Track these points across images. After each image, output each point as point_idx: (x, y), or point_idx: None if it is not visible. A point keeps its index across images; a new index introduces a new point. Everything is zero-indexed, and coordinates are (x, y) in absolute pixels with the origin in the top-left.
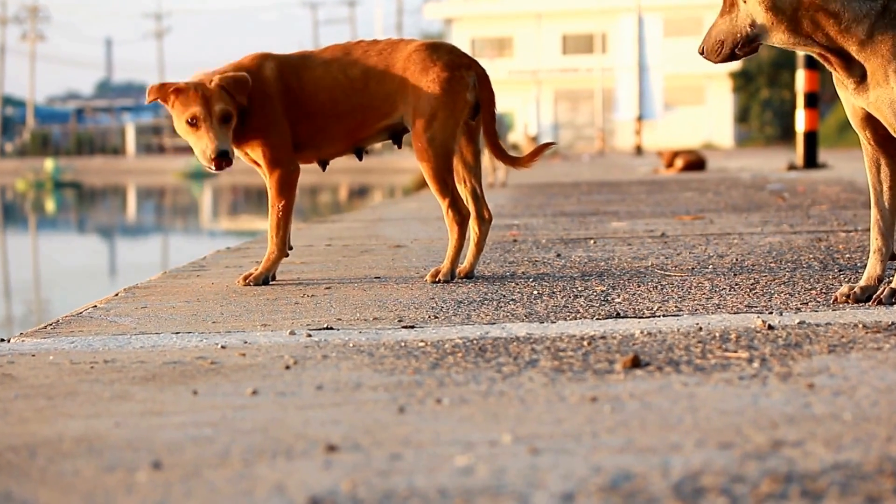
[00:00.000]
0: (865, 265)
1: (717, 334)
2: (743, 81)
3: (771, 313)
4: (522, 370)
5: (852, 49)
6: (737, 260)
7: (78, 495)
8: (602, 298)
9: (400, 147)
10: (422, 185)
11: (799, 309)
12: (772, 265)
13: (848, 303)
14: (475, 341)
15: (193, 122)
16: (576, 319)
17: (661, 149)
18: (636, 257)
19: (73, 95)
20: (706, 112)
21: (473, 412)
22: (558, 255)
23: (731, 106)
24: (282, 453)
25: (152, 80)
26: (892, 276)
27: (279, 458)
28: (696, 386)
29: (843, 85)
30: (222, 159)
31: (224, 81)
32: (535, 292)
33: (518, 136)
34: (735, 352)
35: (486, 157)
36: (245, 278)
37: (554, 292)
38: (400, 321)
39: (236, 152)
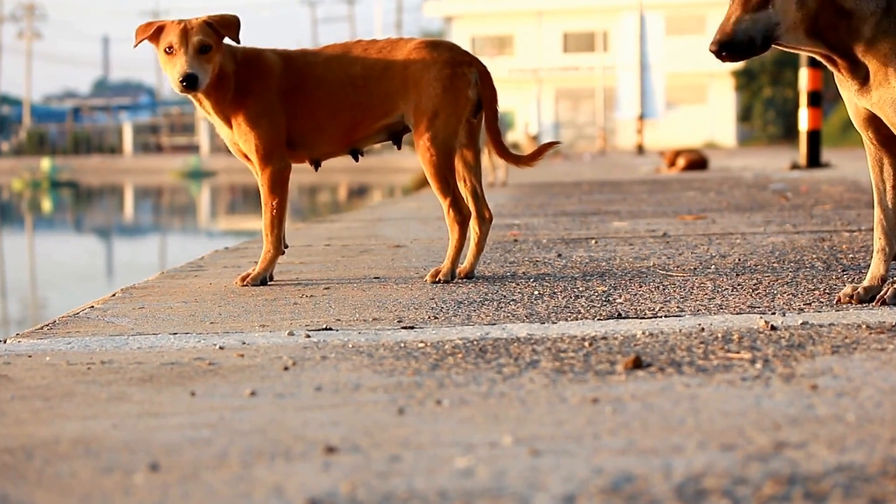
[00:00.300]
0: (869, 265)
1: (720, 335)
2: (745, 80)
3: (774, 314)
4: (523, 371)
5: (859, 49)
6: (739, 260)
7: (75, 497)
8: (603, 299)
9: (400, 148)
10: (421, 184)
11: (802, 309)
12: (774, 265)
13: (851, 303)
14: (475, 342)
15: (170, 51)
16: (577, 320)
17: (662, 148)
18: (638, 257)
19: (69, 94)
20: (708, 111)
21: (474, 413)
22: (559, 255)
23: (733, 105)
24: (280, 455)
25: (150, 79)
26: None
27: (278, 460)
28: (698, 387)
29: (845, 85)
30: (189, 83)
31: (211, 18)
32: (536, 293)
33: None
34: (737, 353)
35: (487, 156)
36: (243, 278)
37: (555, 293)
38: (399, 322)
39: (231, 148)
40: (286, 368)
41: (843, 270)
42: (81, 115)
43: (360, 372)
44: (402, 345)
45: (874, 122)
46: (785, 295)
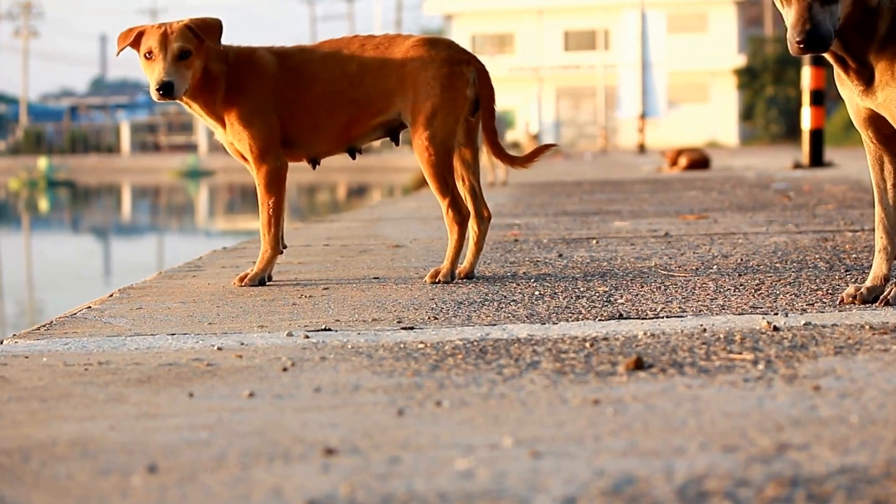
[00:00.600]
0: (872, 265)
1: (722, 336)
2: (748, 78)
3: (776, 314)
4: (524, 372)
5: (872, 48)
6: (741, 260)
7: (72, 499)
8: (604, 299)
9: (398, 144)
10: (421, 184)
11: (805, 310)
12: (777, 265)
13: (854, 303)
14: (475, 343)
15: (149, 56)
16: (578, 321)
17: (664, 147)
18: (639, 257)
19: (67, 93)
20: (710, 110)
21: (474, 415)
22: (560, 256)
23: (735, 103)
24: (279, 457)
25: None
26: None
27: (276, 462)
28: (700, 388)
29: (846, 84)
30: (165, 91)
31: (192, 22)
32: (537, 293)
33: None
34: (740, 353)
35: (486, 156)
36: (241, 279)
37: (556, 293)
38: (399, 322)
39: (227, 148)
40: (285, 369)
41: (846, 270)
42: (78, 114)
43: (359, 373)
44: (402, 345)
45: (875, 121)
46: (787, 295)
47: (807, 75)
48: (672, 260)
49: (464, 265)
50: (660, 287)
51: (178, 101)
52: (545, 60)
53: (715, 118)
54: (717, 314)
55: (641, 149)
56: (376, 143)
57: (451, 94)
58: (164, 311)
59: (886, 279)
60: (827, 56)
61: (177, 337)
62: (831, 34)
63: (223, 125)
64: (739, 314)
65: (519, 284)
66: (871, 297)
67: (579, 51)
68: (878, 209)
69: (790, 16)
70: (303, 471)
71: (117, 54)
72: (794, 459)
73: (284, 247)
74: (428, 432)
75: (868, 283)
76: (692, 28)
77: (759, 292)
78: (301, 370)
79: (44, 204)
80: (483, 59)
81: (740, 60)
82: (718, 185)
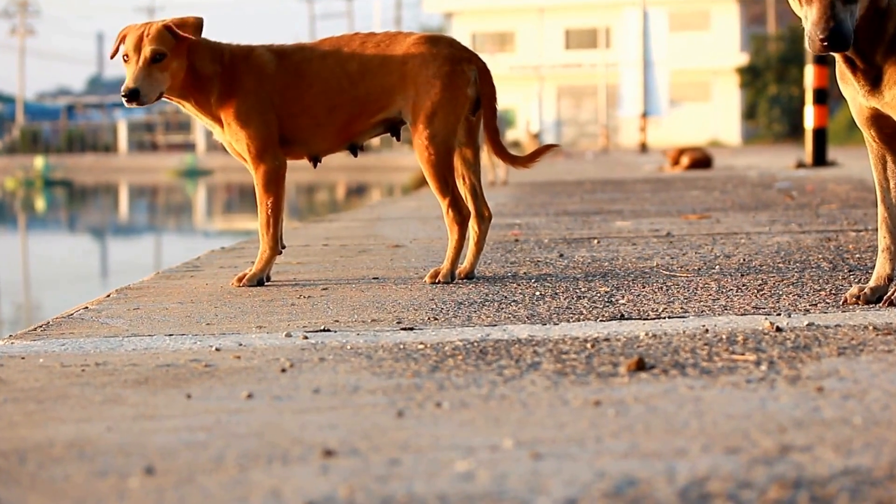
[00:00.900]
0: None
1: (724, 336)
2: (750, 77)
3: (779, 315)
4: (524, 373)
5: (880, 48)
6: (744, 260)
7: (69, 501)
8: (606, 299)
9: (399, 139)
10: (421, 183)
11: (808, 310)
12: (780, 265)
13: (858, 304)
14: (476, 343)
15: (126, 59)
16: (579, 321)
17: (666, 146)
18: (641, 257)
19: (63, 91)
20: (712, 108)
21: (474, 416)
22: (561, 256)
23: (738, 102)
24: (277, 458)
25: None
26: None
27: (275, 464)
28: (702, 389)
29: (849, 82)
30: (130, 97)
31: (172, 21)
32: (538, 293)
33: (520, 133)
34: (742, 354)
35: (486, 155)
36: (240, 279)
37: (557, 293)
38: (399, 323)
39: (226, 147)
40: (283, 370)
41: (850, 271)
42: (75, 113)
43: (358, 374)
44: (402, 346)
45: (877, 120)
46: (790, 296)
47: (810, 74)
48: (674, 260)
49: (464, 265)
50: (661, 287)
51: (181, 100)
52: (546, 59)
53: (717, 117)
54: (719, 315)
55: (643, 148)
56: (375, 142)
57: (452, 92)
58: (161, 312)
59: (890, 279)
60: (835, 55)
61: (174, 338)
62: (852, 33)
63: (221, 125)
64: (742, 315)
65: (520, 285)
66: (875, 298)
67: (580, 49)
68: (881, 209)
69: (812, 14)
70: (301, 472)
71: (111, 57)
72: (797, 461)
73: (283, 247)
74: (428, 434)
75: (871, 284)
76: (694, 26)
77: (761, 293)
78: (300, 371)
79: (40, 203)
80: (483, 57)
81: (743, 59)
82: (721, 185)
